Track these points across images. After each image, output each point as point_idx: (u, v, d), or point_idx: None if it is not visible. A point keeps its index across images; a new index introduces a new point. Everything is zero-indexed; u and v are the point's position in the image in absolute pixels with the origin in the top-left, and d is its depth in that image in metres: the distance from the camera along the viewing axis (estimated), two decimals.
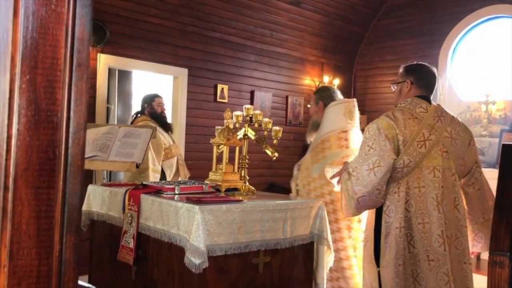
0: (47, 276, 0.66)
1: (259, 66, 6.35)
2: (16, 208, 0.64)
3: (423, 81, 2.70)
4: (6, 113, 0.64)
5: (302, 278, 3.02)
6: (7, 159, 0.63)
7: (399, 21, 7.16)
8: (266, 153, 6.63)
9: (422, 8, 6.91)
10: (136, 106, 6.54)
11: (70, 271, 0.68)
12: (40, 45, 0.64)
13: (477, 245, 2.76)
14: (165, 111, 4.45)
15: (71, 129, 0.68)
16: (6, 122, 0.64)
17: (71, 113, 0.68)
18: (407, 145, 2.52)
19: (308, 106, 3.92)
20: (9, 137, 0.64)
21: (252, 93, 6.22)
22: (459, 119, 2.76)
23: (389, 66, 7.28)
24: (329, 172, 3.22)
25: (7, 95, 0.63)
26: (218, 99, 5.80)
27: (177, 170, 4.51)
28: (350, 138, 3.51)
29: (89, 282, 3.41)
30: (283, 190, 6.30)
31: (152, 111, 4.37)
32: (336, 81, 7.24)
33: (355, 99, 3.64)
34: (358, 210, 2.70)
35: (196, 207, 2.48)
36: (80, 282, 0.71)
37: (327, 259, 3.14)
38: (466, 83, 6.73)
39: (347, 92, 7.58)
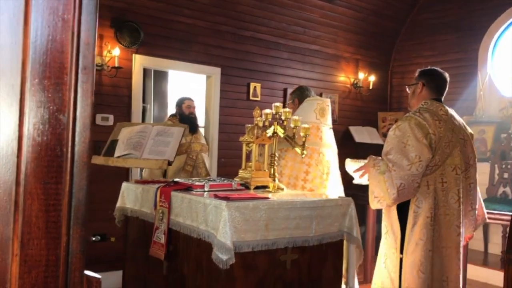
0: (55, 265, 0.70)
1: (292, 64, 6.35)
2: (26, 202, 0.68)
3: (434, 83, 2.99)
4: (18, 114, 0.69)
5: (332, 276, 3.02)
6: (19, 156, 0.68)
7: (437, 16, 6.98)
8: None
9: (460, 2, 6.72)
10: (172, 105, 6.68)
11: (77, 261, 0.72)
12: (48, 50, 0.69)
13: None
14: (194, 113, 4.56)
15: (77, 128, 0.72)
16: (17, 122, 0.69)
17: (77, 114, 0.72)
18: (438, 144, 2.80)
19: (286, 104, 4.26)
20: (20, 137, 0.69)
21: (285, 90, 6.23)
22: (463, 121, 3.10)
23: (427, 62, 7.09)
24: (350, 165, 3.38)
25: (18, 97, 0.68)
26: (251, 98, 5.84)
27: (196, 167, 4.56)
28: (323, 132, 3.76)
29: (123, 277, 3.53)
30: None
31: (181, 112, 4.55)
32: (372, 78, 7.15)
33: (329, 100, 3.88)
34: (396, 201, 2.91)
35: (223, 204, 2.52)
36: (86, 272, 0.76)
37: (357, 257, 3.13)
38: (508, 78, 6.49)
39: (383, 88, 7.48)
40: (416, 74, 3.14)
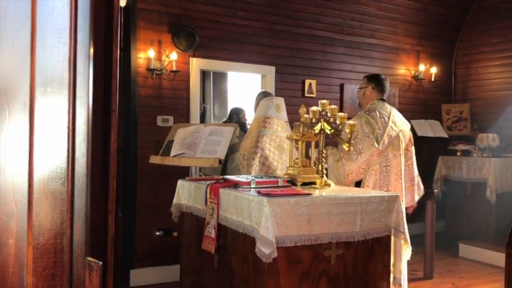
0: (61, 252, 0.85)
1: (349, 59, 6.31)
2: (37, 202, 0.83)
3: (381, 86, 3.80)
4: (28, 128, 0.84)
5: (379, 271, 3.02)
6: (30, 163, 0.83)
7: (504, 0, 6.61)
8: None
9: None
10: (232, 104, 6.89)
11: (79, 249, 0.86)
12: (49, 74, 0.83)
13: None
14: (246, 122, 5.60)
15: (76, 139, 0.86)
16: (28, 136, 0.84)
17: (76, 128, 0.86)
18: (383, 137, 3.57)
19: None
20: (31, 146, 0.84)
21: (341, 86, 6.21)
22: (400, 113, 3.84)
23: (494, 49, 6.77)
24: (315, 154, 3.71)
25: (28, 113, 0.83)
26: (306, 94, 5.89)
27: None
28: (271, 122, 3.95)
29: (180, 269, 3.74)
30: None
31: (239, 120, 5.45)
32: (434, 69, 6.92)
33: (282, 98, 4.27)
34: (348, 182, 3.60)
35: (265, 200, 2.62)
36: (88, 258, 0.90)
37: (404, 253, 3.11)
38: None
39: (447, 79, 7.21)
40: (365, 79, 3.93)
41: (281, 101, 4.31)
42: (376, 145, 3.49)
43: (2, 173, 0.83)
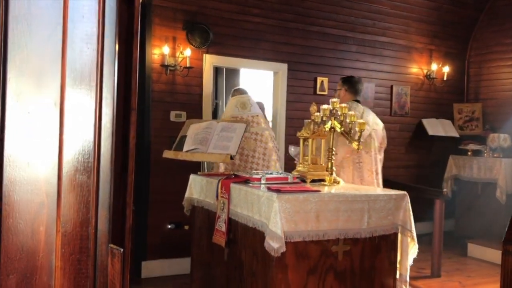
0: (87, 239, 0.93)
1: (361, 57, 6.34)
2: (65, 193, 0.91)
3: (354, 88, 4.07)
4: (59, 126, 0.92)
5: (385, 268, 3.08)
6: (59, 158, 0.91)
7: None
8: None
9: None
10: None
11: (103, 237, 0.94)
12: (78, 76, 0.91)
13: None
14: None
15: (102, 137, 0.94)
16: (58, 133, 0.92)
17: (102, 126, 0.94)
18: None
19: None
20: (60, 142, 0.92)
21: None
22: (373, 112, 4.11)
23: (507, 49, 6.74)
24: (292, 150, 3.99)
25: (59, 111, 0.91)
26: (318, 92, 5.93)
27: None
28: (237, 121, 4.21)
29: (191, 262, 3.83)
30: (389, 183, 6.23)
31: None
32: (446, 69, 6.91)
33: (248, 95, 4.64)
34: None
35: (274, 196, 2.69)
36: (111, 245, 0.97)
37: (411, 251, 3.16)
38: None
39: (459, 79, 7.20)
40: (340, 81, 4.18)
41: (247, 98, 4.62)
42: (348, 144, 3.69)
43: (35, 167, 0.90)
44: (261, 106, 6.21)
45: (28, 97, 0.88)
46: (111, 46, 0.94)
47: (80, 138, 0.94)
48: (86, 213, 0.93)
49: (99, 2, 0.93)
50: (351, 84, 4.09)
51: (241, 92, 4.76)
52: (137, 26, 1.26)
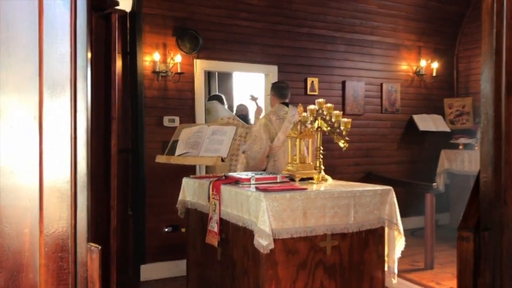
0: (67, 238, 1.02)
1: (350, 56, 6.43)
2: (46, 198, 1.01)
3: (279, 92, 4.53)
4: (38, 137, 1.01)
5: (374, 261, 3.18)
6: (40, 166, 1.01)
7: None
8: (363, 142, 6.70)
9: None
10: (237, 103, 7.06)
11: (82, 236, 1.04)
12: (55, 92, 1.01)
13: None
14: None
15: (78, 146, 1.04)
16: (38, 142, 1.02)
17: (77, 136, 1.04)
18: (278, 135, 4.34)
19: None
20: (40, 152, 1.01)
21: (343, 83, 6.34)
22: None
23: None
24: (242, 146, 4.50)
25: (38, 124, 1.00)
26: (309, 92, 6.03)
27: None
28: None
29: (187, 263, 3.93)
30: (382, 179, 6.34)
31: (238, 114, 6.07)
32: (435, 65, 7.01)
33: (214, 101, 5.63)
34: (251, 170, 4.28)
35: (262, 195, 2.79)
36: (90, 243, 1.07)
37: (398, 243, 3.25)
38: None
39: (449, 74, 7.30)
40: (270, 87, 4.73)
41: (211, 104, 5.20)
42: (270, 143, 4.33)
43: (18, 175, 1.00)
44: (243, 108, 6.41)
45: (10, 112, 0.98)
46: (83, 64, 1.04)
47: (58, 148, 1.03)
48: (66, 215, 1.03)
49: (71, 24, 1.03)
50: (276, 89, 4.57)
51: (216, 98, 5.35)
52: (115, 41, 1.36)
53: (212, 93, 6.78)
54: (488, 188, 1.38)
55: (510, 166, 1.32)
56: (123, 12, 4.54)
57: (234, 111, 6.56)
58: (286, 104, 4.50)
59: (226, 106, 6.37)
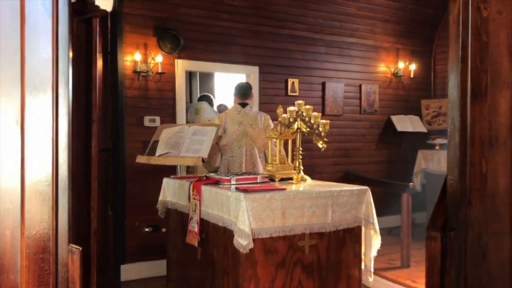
0: (48, 240, 1.05)
1: (330, 58, 6.52)
2: (28, 201, 1.03)
3: (238, 94, 4.63)
4: (20, 141, 1.03)
5: (351, 260, 3.25)
6: (22, 169, 1.03)
7: None
8: (342, 142, 6.77)
9: None
10: (218, 102, 7.09)
11: (63, 237, 1.07)
12: (37, 96, 1.03)
13: None
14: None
15: (59, 150, 1.06)
16: (20, 145, 1.03)
17: (59, 140, 1.06)
18: (227, 134, 4.41)
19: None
20: (22, 155, 1.04)
21: (323, 84, 6.42)
22: (262, 112, 4.76)
23: None
24: None
25: (20, 128, 1.03)
26: (289, 93, 6.09)
27: None
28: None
29: (167, 263, 3.94)
30: (360, 179, 6.44)
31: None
32: (413, 66, 7.15)
33: (203, 102, 5.89)
34: (207, 166, 4.28)
35: (242, 195, 2.84)
36: (70, 244, 1.10)
37: (374, 242, 3.33)
38: None
39: (426, 76, 7.45)
40: None
41: (201, 104, 5.41)
42: (223, 141, 4.44)
43: (0, 177, 1.02)
44: (223, 109, 6.51)
45: None
46: (65, 69, 1.07)
47: (40, 151, 1.06)
48: (47, 217, 1.05)
49: (53, 31, 1.06)
50: (236, 90, 4.72)
51: (206, 98, 5.58)
52: (96, 45, 1.38)
53: (194, 93, 6.80)
54: (454, 190, 1.45)
55: (475, 169, 1.39)
56: (103, 12, 4.53)
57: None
58: (244, 105, 4.55)
59: (215, 108, 6.42)
